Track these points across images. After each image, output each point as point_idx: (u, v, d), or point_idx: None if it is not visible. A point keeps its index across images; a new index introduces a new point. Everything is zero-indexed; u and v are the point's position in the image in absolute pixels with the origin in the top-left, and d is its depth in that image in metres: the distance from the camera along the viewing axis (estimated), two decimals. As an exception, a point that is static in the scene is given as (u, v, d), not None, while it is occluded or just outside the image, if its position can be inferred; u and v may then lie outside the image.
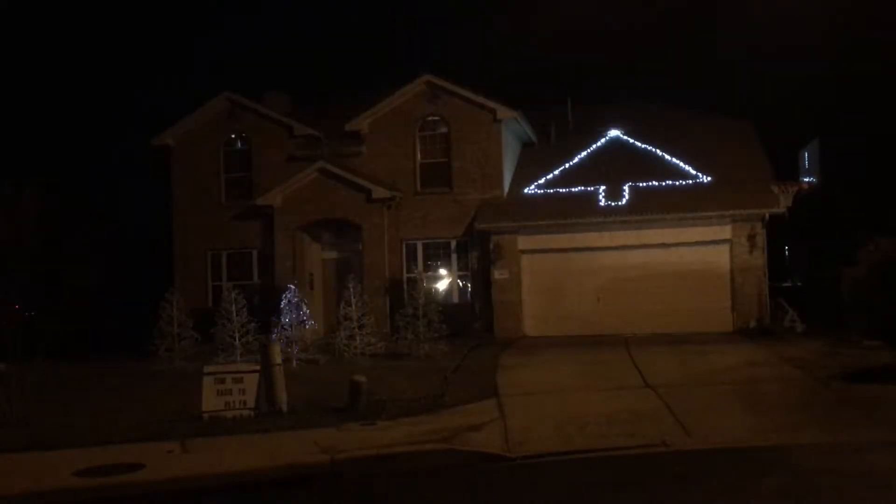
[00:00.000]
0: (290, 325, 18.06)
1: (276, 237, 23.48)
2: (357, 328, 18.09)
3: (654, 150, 23.17)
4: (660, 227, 20.95)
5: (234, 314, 17.99)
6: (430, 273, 22.16)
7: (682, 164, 22.42)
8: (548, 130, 25.56)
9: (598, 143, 24.12)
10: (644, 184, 21.82)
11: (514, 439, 9.99)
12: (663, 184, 21.88)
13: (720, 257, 20.86)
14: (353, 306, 18.19)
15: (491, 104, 23.00)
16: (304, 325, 18.16)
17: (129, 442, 10.23)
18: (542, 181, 23.05)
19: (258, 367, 11.97)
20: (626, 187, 21.73)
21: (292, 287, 18.65)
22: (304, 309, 18.37)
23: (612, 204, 21.56)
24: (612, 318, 20.82)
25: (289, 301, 18.33)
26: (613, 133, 24.30)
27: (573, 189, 22.38)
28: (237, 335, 17.85)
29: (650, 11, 60.88)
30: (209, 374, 11.90)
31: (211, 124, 24.88)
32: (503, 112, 22.97)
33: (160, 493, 8.45)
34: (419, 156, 23.48)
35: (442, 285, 22.69)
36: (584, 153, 23.80)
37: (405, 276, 22.79)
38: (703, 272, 20.84)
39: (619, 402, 12.04)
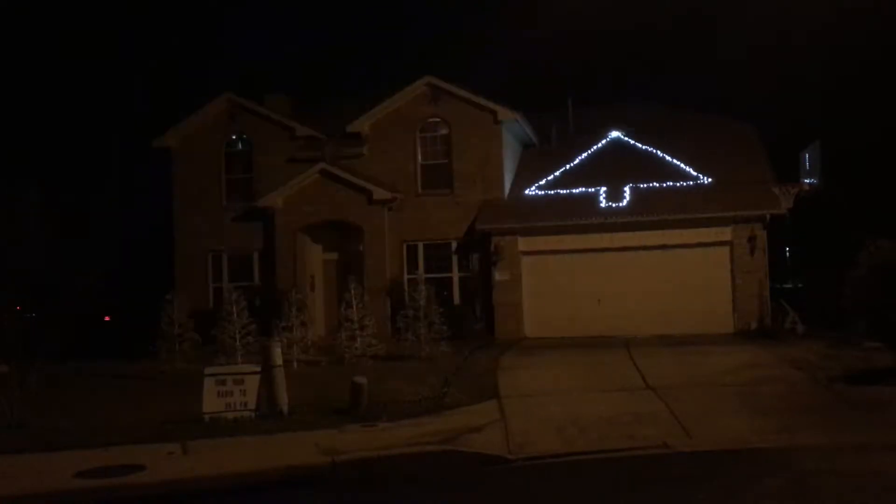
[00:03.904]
0: (291, 327, 18.05)
1: (277, 239, 23.48)
2: (358, 329, 18.08)
3: (655, 151, 23.17)
4: (661, 228, 20.95)
5: (235, 315, 17.99)
6: (430, 274, 22.11)
7: (682, 165, 22.42)
8: (548, 132, 25.55)
9: (599, 145, 24.12)
10: (645, 185, 21.82)
11: (515, 441, 9.99)
12: (664, 185, 21.89)
13: (721, 259, 20.87)
14: (354, 308, 18.18)
15: (492, 106, 23.01)
16: (305, 327, 18.15)
17: (130, 443, 10.23)
18: (542, 182, 23.05)
19: (259, 369, 11.97)
20: (626, 189, 21.73)
21: (293, 288, 18.63)
22: (305, 310, 18.36)
23: (613, 205, 21.57)
24: (612, 319, 20.80)
25: (289, 302, 18.33)
26: (614, 134, 24.29)
27: (574, 190, 22.39)
28: (238, 337, 17.85)
29: (651, 12, 60.92)
30: (210, 375, 11.91)
31: (212, 126, 24.89)
32: (504, 113, 22.98)
33: (161, 495, 8.45)
34: (420, 157, 23.49)
35: (443, 287, 22.66)
36: (584, 154, 23.80)
37: (406, 277, 22.78)
38: (704, 274, 20.84)
39: (620, 403, 12.03)
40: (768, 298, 20.67)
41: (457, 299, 22.71)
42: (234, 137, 24.92)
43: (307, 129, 24.25)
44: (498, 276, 21.98)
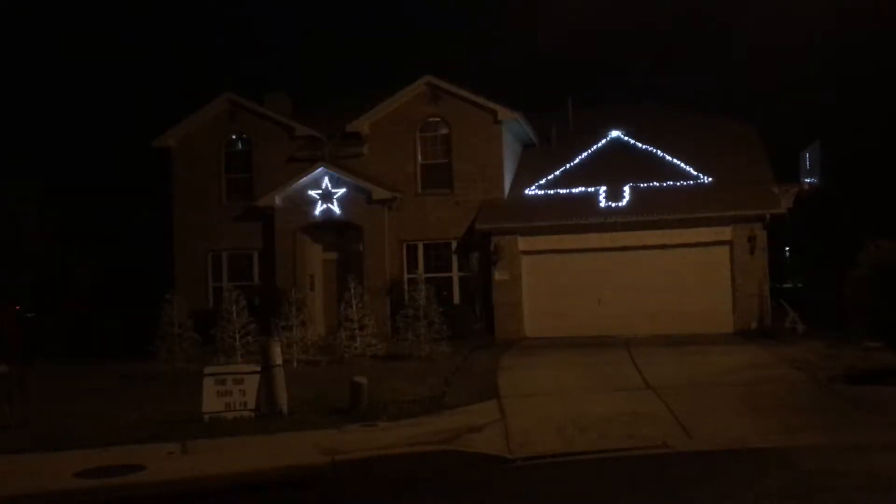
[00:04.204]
0: (291, 326, 18.04)
1: (277, 238, 23.47)
2: (358, 329, 18.08)
3: (654, 150, 23.18)
4: (660, 228, 20.95)
5: (235, 315, 17.96)
6: (430, 274, 22.09)
7: (682, 164, 22.43)
8: (548, 131, 25.55)
9: (599, 144, 24.13)
10: (645, 185, 21.82)
11: (515, 441, 9.98)
12: (664, 185, 21.89)
13: (721, 258, 20.86)
14: (354, 307, 18.17)
15: (491, 105, 23.01)
16: (305, 327, 18.13)
17: (130, 443, 10.22)
18: (542, 182, 23.05)
19: (259, 369, 11.96)
20: (626, 188, 21.73)
21: (292, 287, 18.61)
22: (305, 310, 18.33)
23: (613, 205, 21.56)
24: (612, 319, 20.80)
25: (289, 302, 18.31)
26: (614, 134, 24.30)
27: (574, 190, 22.39)
28: (238, 336, 17.83)
29: (651, 12, 60.91)
30: (210, 375, 11.89)
31: (212, 125, 24.90)
32: (504, 113, 22.98)
33: (161, 495, 8.44)
34: (420, 157, 23.49)
35: (443, 286, 22.65)
36: (584, 154, 23.81)
37: (406, 276, 22.78)
38: (704, 273, 20.84)
39: (620, 403, 12.02)
40: (768, 298, 20.67)
41: (457, 299, 22.71)
42: (233, 137, 24.93)
43: (307, 128, 24.25)
44: (498, 275, 21.97)
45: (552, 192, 22.69)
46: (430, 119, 23.50)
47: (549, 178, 23.11)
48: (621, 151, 23.66)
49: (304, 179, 23.13)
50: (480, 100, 23.07)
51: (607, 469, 8.88)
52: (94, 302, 26.18)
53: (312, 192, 22.97)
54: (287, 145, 24.22)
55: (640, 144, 23.65)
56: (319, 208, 22.99)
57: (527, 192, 22.95)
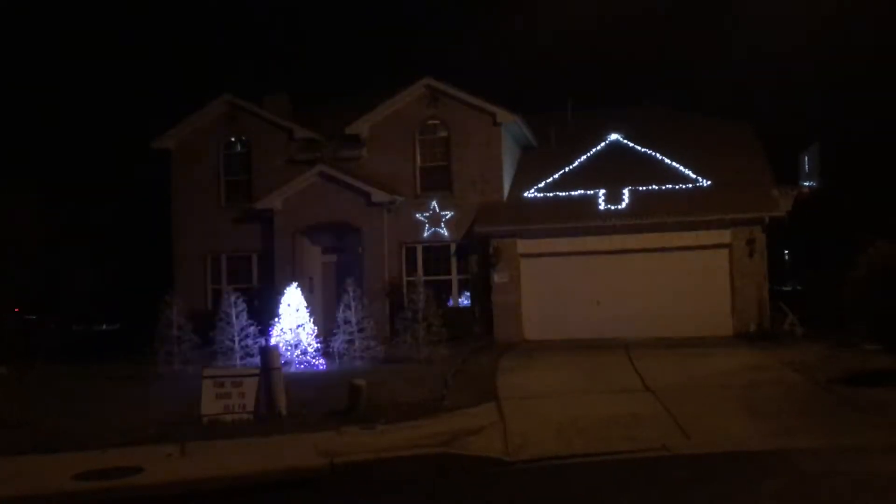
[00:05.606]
0: (290, 329, 18.02)
1: (276, 240, 23.46)
2: (356, 331, 18.06)
3: (654, 153, 23.15)
4: (660, 231, 20.92)
5: (234, 317, 17.95)
6: (429, 276, 22.05)
7: (681, 167, 22.41)
8: (548, 134, 25.52)
9: (598, 147, 24.10)
10: (644, 188, 21.80)
11: (514, 443, 9.98)
12: (663, 188, 21.87)
13: (720, 261, 20.84)
14: (353, 310, 18.15)
15: (491, 108, 22.99)
16: (303, 329, 18.11)
17: (128, 445, 10.23)
18: (541, 185, 23.03)
19: (257, 371, 11.97)
20: (626, 191, 21.71)
21: (292, 290, 18.59)
22: (304, 312, 18.32)
23: (612, 208, 21.55)
24: (611, 321, 20.76)
25: (288, 304, 18.29)
26: (613, 137, 24.28)
27: (573, 193, 22.37)
28: (236, 339, 17.82)
29: (651, 13, 60.94)
30: (208, 377, 11.90)
31: (211, 127, 24.88)
32: (503, 116, 22.96)
33: (159, 497, 8.45)
34: (419, 159, 23.47)
35: (441, 289, 22.62)
36: (584, 157, 23.78)
37: (405, 279, 22.76)
38: (703, 276, 20.82)
39: (619, 405, 12.02)
40: (767, 301, 20.64)
41: (455, 301, 22.68)
42: (232, 139, 24.91)
43: (306, 130, 24.24)
44: (497, 277, 21.94)
45: (551, 194, 22.67)
46: (430, 121, 23.48)
47: (549, 180, 23.09)
48: (620, 154, 23.63)
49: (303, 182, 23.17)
50: (480, 102, 23.05)
51: (606, 471, 8.88)
52: (93, 303, 26.18)
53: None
54: (286, 147, 24.21)
55: (639, 147, 23.62)
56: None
57: (526, 194, 22.93)
